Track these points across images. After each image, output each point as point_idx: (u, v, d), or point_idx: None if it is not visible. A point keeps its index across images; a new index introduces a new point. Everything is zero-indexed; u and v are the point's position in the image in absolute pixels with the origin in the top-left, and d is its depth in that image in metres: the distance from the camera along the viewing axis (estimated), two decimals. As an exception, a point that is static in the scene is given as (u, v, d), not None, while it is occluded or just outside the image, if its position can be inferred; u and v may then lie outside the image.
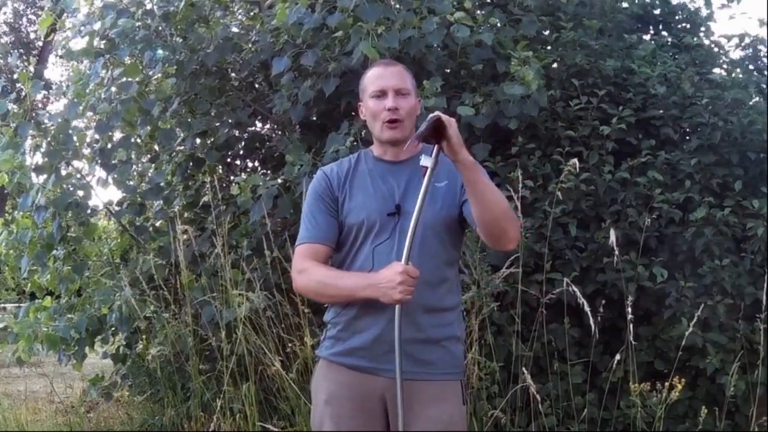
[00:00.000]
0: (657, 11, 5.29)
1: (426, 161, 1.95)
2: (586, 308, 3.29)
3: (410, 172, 2.11)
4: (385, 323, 2.02)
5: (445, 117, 1.87)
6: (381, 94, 2.10)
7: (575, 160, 3.73)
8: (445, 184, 2.09)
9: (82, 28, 4.55)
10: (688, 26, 5.26)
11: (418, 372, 2.01)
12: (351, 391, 2.07)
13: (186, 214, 4.48)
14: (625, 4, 5.24)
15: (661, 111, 4.31)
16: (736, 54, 5.03)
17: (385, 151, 2.16)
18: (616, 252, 3.54)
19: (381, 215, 2.06)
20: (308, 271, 2.09)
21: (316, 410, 2.14)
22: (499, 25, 4.23)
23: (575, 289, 3.38)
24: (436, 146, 1.93)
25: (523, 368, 3.40)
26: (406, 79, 2.13)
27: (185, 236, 3.95)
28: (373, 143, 2.21)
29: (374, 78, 2.13)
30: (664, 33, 5.23)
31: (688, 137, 4.34)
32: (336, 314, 2.13)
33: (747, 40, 5.00)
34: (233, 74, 4.87)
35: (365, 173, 2.15)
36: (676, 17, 5.29)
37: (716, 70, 4.84)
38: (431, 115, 1.88)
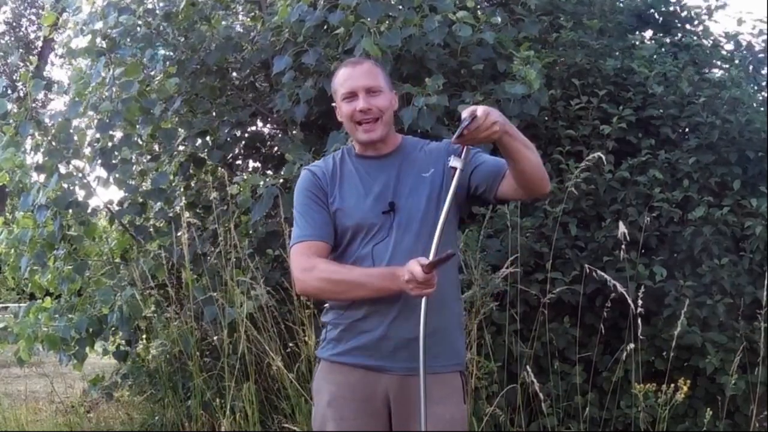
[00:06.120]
0: (655, 10, 5.30)
1: (455, 162, 1.93)
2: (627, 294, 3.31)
3: (398, 166, 2.09)
4: (390, 322, 2.02)
5: (478, 116, 1.82)
6: (351, 96, 2.06)
7: (599, 154, 3.74)
8: (431, 172, 2.07)
9: (84, 27, 4.56)
10: (687, 26, 5.27)
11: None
12: (354, 392, 2.05)
13: (187, 214, 4.49)
14: (620, 4, 5.25)
15: (660, 111, 4.32)
16: (736, 52, 5.03)
17: (366, 148, 2.13)
18: (624, 246, 3.55)
19: (376, 216, 2.05)
20: (317, 267, 2.02)
21: (318, 412, 2.13)
22: (500, 24, 4.24)
23: (615, 283, 3.38)
24: (465, 147, 1.92)
25: (527, 367, 3.41)
26: (377, 77, 2.08)
27: (186, 236, 3.95)
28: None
29: (343, 80, 2.09)
30: (664, 33, 5.23)
31: (686, 136, 4.35)
32: (338, 315, 2.10)
33: (751, 39, 5.02)
34: (234, 74, 4.88)
35: (353, 172, 2.11)
36: (676, 17, 5.30)
37: (715, 70, 4.85)
38: (464, 116, 1.84)
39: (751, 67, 4.94)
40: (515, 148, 1.90)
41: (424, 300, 1.91)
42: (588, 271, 3.55)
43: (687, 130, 4.38)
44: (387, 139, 2.11)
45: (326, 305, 2.24)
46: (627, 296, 3.34)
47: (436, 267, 1.86)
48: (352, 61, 2.19)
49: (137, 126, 4.65)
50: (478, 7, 4.25)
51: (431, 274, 1.86)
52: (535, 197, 2.26)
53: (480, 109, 1.83)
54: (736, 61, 4.85)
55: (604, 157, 3.78)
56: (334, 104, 2.17)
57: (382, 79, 2.10)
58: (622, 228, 3.49)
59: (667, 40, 4.97)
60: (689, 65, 4.58)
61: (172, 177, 4.87)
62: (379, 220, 2.05)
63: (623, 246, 3.56)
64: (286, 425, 3.67)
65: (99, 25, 4.50)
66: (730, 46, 5.08)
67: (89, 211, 4.59)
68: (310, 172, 2.15)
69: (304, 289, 2.11)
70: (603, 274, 3.47)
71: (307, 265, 2.04)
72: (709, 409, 3.51)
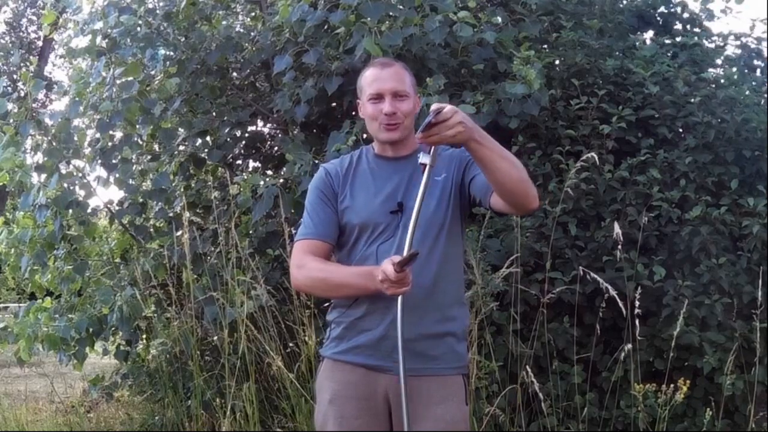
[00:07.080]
0: (656, 11, 5.32)
1: (425, 158, 1.92)
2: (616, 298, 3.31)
3: (413, 168, 2.10)
4: (390, 321, 2.02)
5: (444, 111, 1.81)
6: (378, 98, 2.07)
7: (593, 154, 3.75)
8: (443, 177, 2.09)
9: (84, 26, 4.57)
10: (687, 27, 5.28)
11: (423, 368, 2.02)
12: (356, 391, 2.06)
13: (187, 214, 4.50)
14: (621, 4, 5.26)
15: (656, 111, 4.32)
16: (734, 52, 5.04)
17: (385, 149, 2.15)
18: (620, 246, 3.55)
19: (384, 215, 2.06)
20: (307, 266, 2.07)
21: (320, 410, 2.13)
22: (501, 24, 4.25)
23: (607, 285, 3.38)
24: (433, 146, 1.91)
25: (527, 367, 3.42)
26: (404, 80, 2.10)
27: (186, 236, 3.96)
28: (374, 140, 2.21)
29: (371, 80, 2.10)
30: (664, 34, 5.24)
31: (684, 136, 4.36)
32: (340, 314, 2.12)
33: (746, 39, 5.03)
34: (234, 73, 4.89)
35: (367, 172, 2.14)
36: (676, 17, 5.32)
37: (713, 69, 4.86)
38: (432, 109, 1.83)
39: (758, 70, 4.95)
40: (486, 157, 1.88)
41: (400, 299, 1.92)
42: (582, 273, 3.56)
43: (684, 129, 4.39)
44: (406, 141, 2.13)
45: (328, 304, 2.25)
46: (618, 300, 3.34)
47: (406, 265, 1.87)
48: (382, 61, 2.18)
49: (137, 126, 4.65)
50: (479, 6, 4.24)
51: (404, 272, 1.87)
52: (523, 213, 2.21)
53: (447, 106, 1.83)
54: (738, 62, 4.86)
55: (597, 158, 3.79)
56: (358, 100, 2.17)
57: (409, 83, 2.11)
58: (617, 229, 3.51)
59: (668, 41, 4.98)
60: (687, 65, 4.59)
61: (172, 177, 4.87)
62: (386, 220, 2.06)
63: (620, 246, 3.57)
64: (286, 425, 3.68)
65: (99, 24, 4.50)
66: (730, 47, 5.10)
67: (89, 211, 4.59)
68: (324, 171, 2.18)
69: (296, 285, 2.20)
70: (596, 276, 3.48)
71: (300, 262, 2.10)
72: (708, 409, 3.52)
